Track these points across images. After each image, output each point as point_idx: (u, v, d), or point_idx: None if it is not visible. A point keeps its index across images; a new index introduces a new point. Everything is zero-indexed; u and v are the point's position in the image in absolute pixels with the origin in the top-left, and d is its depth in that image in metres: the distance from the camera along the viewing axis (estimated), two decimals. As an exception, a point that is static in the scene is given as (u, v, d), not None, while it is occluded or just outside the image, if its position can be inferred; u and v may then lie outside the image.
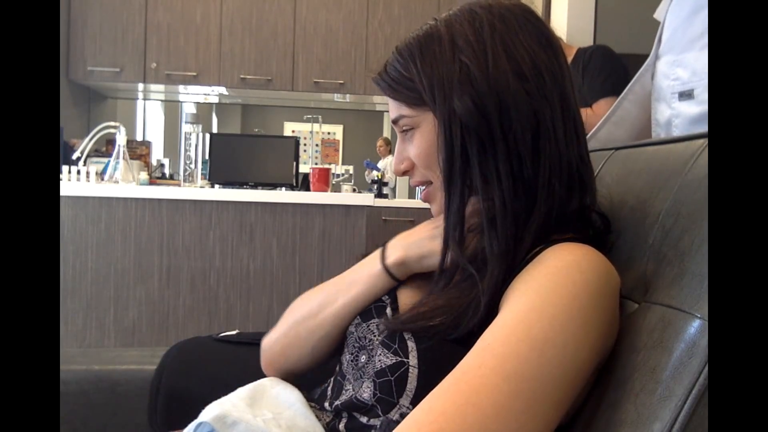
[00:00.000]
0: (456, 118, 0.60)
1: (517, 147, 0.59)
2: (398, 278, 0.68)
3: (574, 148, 0.63)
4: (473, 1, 0.65)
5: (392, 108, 0.68)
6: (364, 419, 0.63)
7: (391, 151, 4.91)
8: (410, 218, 3.10)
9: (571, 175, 0.62)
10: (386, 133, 5.27)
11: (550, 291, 0.52)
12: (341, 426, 0.65)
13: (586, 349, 0.51)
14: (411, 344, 0.60)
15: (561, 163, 0.61)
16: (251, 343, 0.99)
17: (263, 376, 0.76)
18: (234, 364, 0.96)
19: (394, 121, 0.67)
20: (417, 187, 0.72)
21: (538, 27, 0.63)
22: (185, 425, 0.67)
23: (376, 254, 0.70)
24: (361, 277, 0.69)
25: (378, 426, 0.61)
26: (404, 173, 0.69)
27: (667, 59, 1.08)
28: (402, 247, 0.68)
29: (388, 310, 0.67)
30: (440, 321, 0.59)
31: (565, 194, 0.61)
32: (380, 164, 4.46)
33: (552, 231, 0.61)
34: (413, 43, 0.65)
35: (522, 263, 0.58)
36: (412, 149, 0.66)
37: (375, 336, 0.65)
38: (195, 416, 0.66)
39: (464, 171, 0.61)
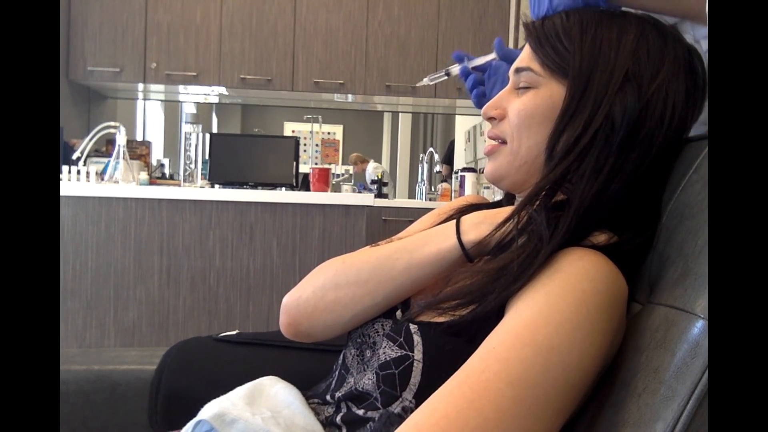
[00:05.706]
0: (605, 110, 0.59)
1: (626, 165, 0.59)
2: (472, 258, 0.62)
3: (659, 191, 0.63)
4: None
5: (525, 56, 0.65)
6: (361, 411, 0.62)
7: (365, 161, 4.74)
8: (410, 218, 3.09)
9: (636, 211, 0.62)
10: (385, 133, 5.27)
11: (558, 297, 0.52)
12: (338, 419, 0.64)
13: (590, 357, 0.51)
14: (417, 338, 0.59)
15: (637, 198, 0.61)
16: (251, 343, 0.99)
17: (263, 376, 0.76)
18: (234, 364, 0.96)
19: (517, 71, 0.65)
20: (489, 139, 0.69)
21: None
22: (185, 425, 0.67)
23: (444, 230, 0.63)
24: (426, 256, 0.63)
25: (377, 418, 0.61)
26: (490, 119, 0.68)
27: None
28: (487, 225, 0.62)
29: (398, 313, 0.66)
30: (456, 303, 0.58)
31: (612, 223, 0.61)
32: (370, 169, 4.42)
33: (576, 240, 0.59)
34: (592, 13, 0.63)
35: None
36: (518, 104, 0.64)
37: (380, 335, 0.65)
38: (195, 416, 0.66)
39: (587, 156, 0.60)
